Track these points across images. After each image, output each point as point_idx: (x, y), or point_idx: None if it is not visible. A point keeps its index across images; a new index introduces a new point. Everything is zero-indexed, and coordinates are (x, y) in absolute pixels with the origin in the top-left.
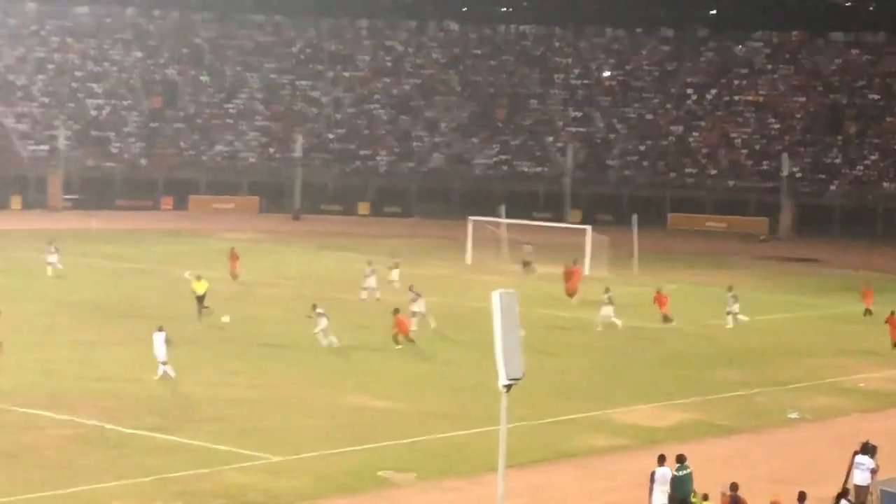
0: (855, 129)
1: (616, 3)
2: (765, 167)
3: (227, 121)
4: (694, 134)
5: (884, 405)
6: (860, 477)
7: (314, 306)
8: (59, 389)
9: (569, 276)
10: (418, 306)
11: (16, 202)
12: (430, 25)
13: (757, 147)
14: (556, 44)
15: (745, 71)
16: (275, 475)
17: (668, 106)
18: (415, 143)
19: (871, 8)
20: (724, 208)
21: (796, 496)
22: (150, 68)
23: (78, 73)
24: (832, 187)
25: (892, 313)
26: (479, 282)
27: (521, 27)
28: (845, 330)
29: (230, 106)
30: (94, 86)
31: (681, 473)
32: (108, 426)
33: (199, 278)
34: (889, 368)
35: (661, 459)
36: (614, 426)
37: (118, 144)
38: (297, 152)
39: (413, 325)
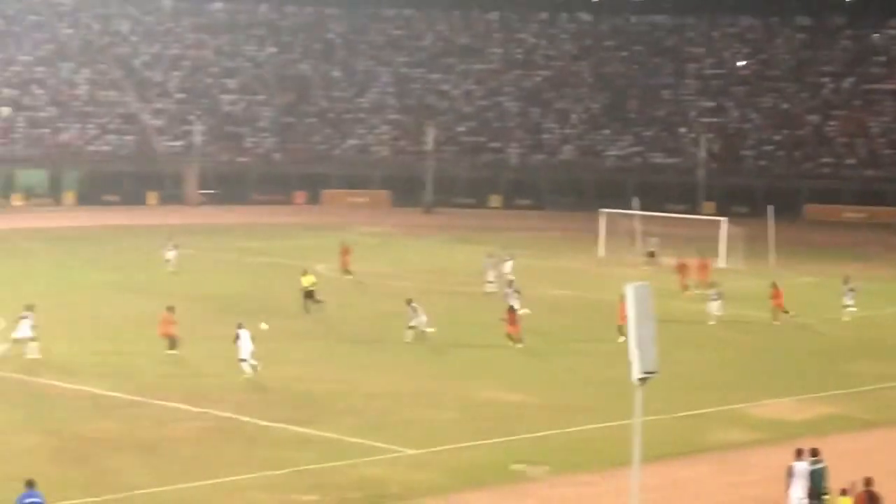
0: None
1: None
2: None
3: (359, 115)
4: (830, 123)
5: None
6: None
7: (409, 301)
8: (196, 383)
9: (681, 268)
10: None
11: (152, 197)
12: (561, 17)
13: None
14: (689, 34)
15: (882, 59)
16: (409, 468)
17: (804, 95)
18: (546, 136)
19: None
20: (863, 198)
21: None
22: (283, 64)
23: (212, 69)
24: None
25: None
26: (612, 275)
27: (654, 17)
28: None
29: (362, 100)
30: (228, 81)
31: (815, 468)
32: (244, 419)
33: (305, 272)
34: None
35: (798, 453)
36: (750, 420)
37: (252, 139)
38: (429, 146)
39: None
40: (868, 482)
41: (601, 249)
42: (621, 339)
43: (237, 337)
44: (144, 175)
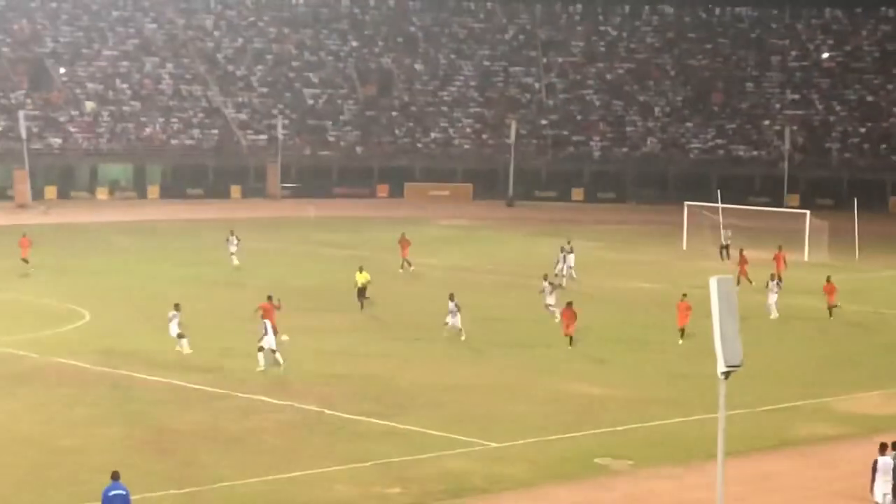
0: None
1: None
2: None
3: (442, 108)
4: None
5: None
6: None
7: (451, 296)
8: (278, 375)
9: (741, 261)
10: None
11: (236, 191)
12: (644, 9)
13: None
14: (773, 25)
15: None
16: (492, 461)
17: (890, 87)
18: (628, 129)
19: None
20: None
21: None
22: (366, 57)
23: (295, 63)
24: None
25: None
26: (696, 268)
27: (737, 9)
28: None
29: (444, 93)
30: (311, 75)
31: None
32: (327, 411)
33: (361, 270)
34: None
35: (883, 448)
36: (836, 414)
37: (334, 133)
38: (511, 139)
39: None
40: None
41: (684, 242)
42: (681, 342)
43: (265, 331)
44: (228, 169)
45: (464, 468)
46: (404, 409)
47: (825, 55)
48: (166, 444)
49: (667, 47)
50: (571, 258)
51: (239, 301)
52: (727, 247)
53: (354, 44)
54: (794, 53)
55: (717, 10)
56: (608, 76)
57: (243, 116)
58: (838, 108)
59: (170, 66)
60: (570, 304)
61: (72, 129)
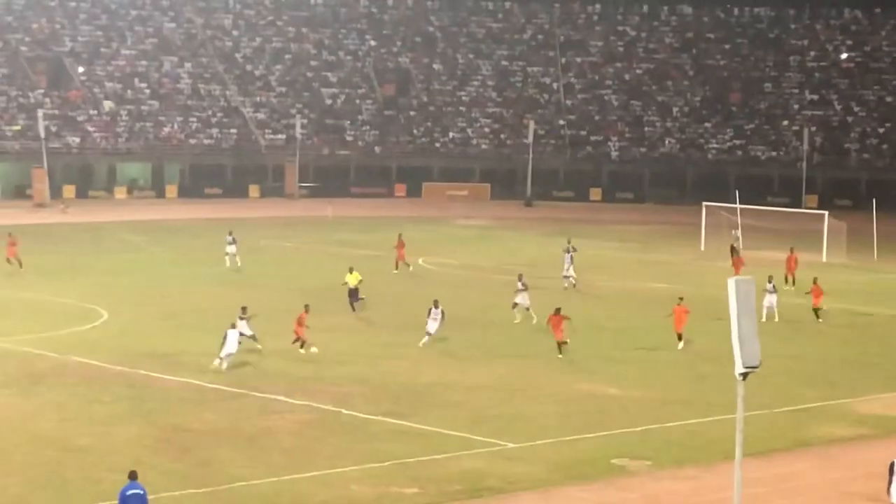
0: None
1: None
2: None
3: (460, 108)
4: None
5: None
6: None
7: (435, 302)
8: (296, 375)
9: (735, 263)
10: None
11: (254, 190)
12: (662, 9)
13: None
14: (792, 25)
15: None
16: (510, 462)
17: None
18: (647, 129)
19: None
20: None
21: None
22: (384, 56)
23: (313, 63)
24: None
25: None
26: (714, 268)
27: (756, 9)
28: None
29: (462, 93)
30: (329, 75)
31: None
32: (344, 411)
33: (351, 270)
34: None
35: None
36: (854, 415)
37: (352, 132)
38: (529, 139)
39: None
40: None
41: (702, 243)
42: (680, 345)
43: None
44: (246, 168)
45: (480, 468)
46: (421, 410)
47: (844, 55)
48: (184, 443)
49: (685, 47)
50: (568, 258)
51: (256, 301)
52: (735, 248)
53: (373, 43)
54: (812, 54)
55: (736, 11)
56: (626, 76)
57: (261, 116)
58: (857, 108)
59: (188, 65)
60: (557, 311)
61: (90, 129)
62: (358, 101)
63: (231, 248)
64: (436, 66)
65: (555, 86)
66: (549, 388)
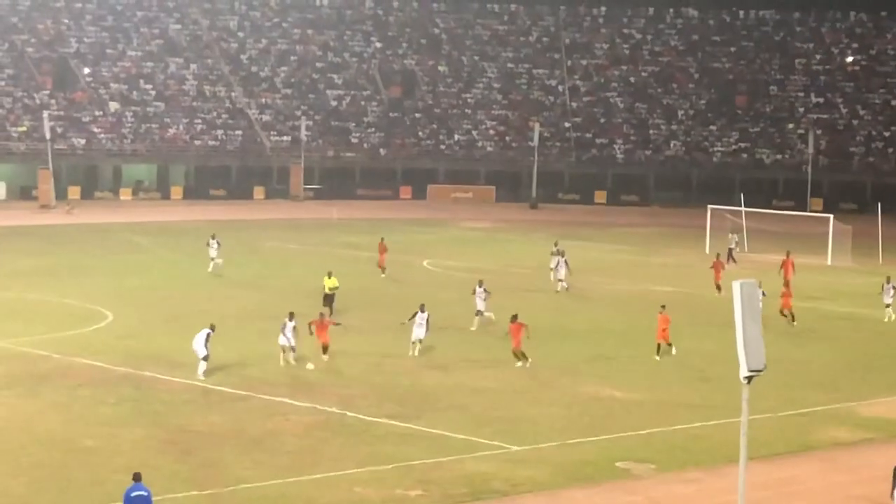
0: None
1: None
2: None
3: (465, 110)
4: None
5: None
6: None
7: (421, 306)
8: (300, 377)
9: (716, 266)
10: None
11: (259, 192)
12: (668, 12)
13: None
14: (797, 29)
15: None
16: (514, 464)
17: None
18: (652, 131)
19: None
20: None
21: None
22: (389, 58)
23: (319, 65)
24: None
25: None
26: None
27: (761, 12)
28: None
29: (468, 95)
30: (335, 76)
31: None
32: (349, 413)
33: (329, 275)
34: None
35: None
36: (858, 419)
37: (358, 134)
38: (534, 141)
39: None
40: None
41: (707, 246)
42: (657, 357)
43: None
44: (251, 170)
45: (485, 471)
46: (426, 412)
47: (849, 59)
48: (188, 445)
49: (690, 50)
50: (555, 261)
51: (261, 302)
52: (731, 252)
53: (378, 45)
54: (818, 57)
55: (741, 13)
56: (632, 79)
57: (267, 117)
58: (862, 111)
59: (194, 66)
60: (514, 318)
61: (96, 130)
62: (363, 103)
63: (213, 253)
64: (441, 69)
65: (560, 88)
66: (554, 391)
